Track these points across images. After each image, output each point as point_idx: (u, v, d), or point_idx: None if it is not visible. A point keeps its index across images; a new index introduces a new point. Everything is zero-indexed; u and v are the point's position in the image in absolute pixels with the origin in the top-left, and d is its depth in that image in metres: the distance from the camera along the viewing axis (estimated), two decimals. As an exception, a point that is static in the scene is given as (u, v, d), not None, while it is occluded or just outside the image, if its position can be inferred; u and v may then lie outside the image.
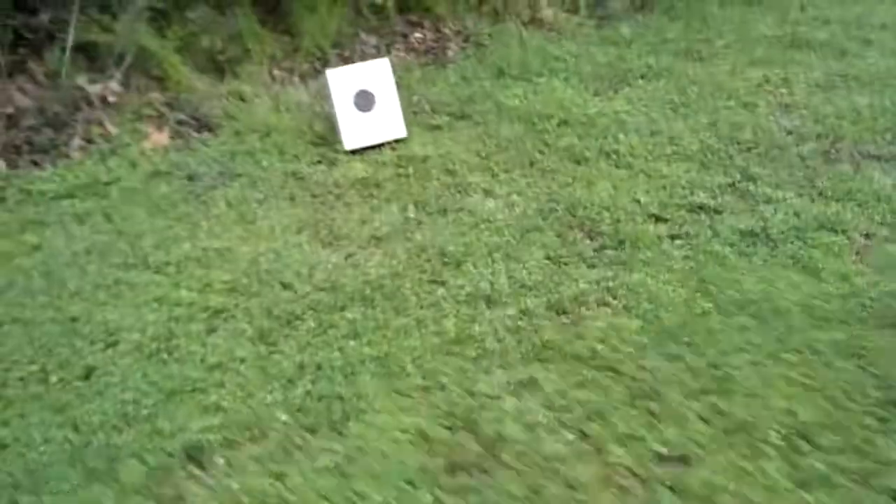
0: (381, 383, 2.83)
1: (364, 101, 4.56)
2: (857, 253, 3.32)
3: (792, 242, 3.42)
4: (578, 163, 4.25)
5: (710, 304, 3.08)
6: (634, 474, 2.42)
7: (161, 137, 4.77)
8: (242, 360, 2.96)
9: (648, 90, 5.00)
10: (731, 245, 3.44)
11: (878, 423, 2.50)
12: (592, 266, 3.41)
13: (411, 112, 4.77)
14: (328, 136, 4.55)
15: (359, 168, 4.32)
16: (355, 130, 4.49)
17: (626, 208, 3.79)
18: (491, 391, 2.77)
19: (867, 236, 3.42)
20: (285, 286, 3.37)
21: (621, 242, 3.54)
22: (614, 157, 4.26)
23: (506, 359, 2.91)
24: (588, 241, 3.58)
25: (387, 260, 3.52)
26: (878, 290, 3.06)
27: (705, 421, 2.58)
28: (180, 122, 4.91)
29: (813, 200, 3.73)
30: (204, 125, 4.88)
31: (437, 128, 4.76)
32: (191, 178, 4.29)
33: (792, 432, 2.50)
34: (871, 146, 4.18)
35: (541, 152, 4.38)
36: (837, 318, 2.95)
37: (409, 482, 2.45)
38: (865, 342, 2.81)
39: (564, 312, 3.13)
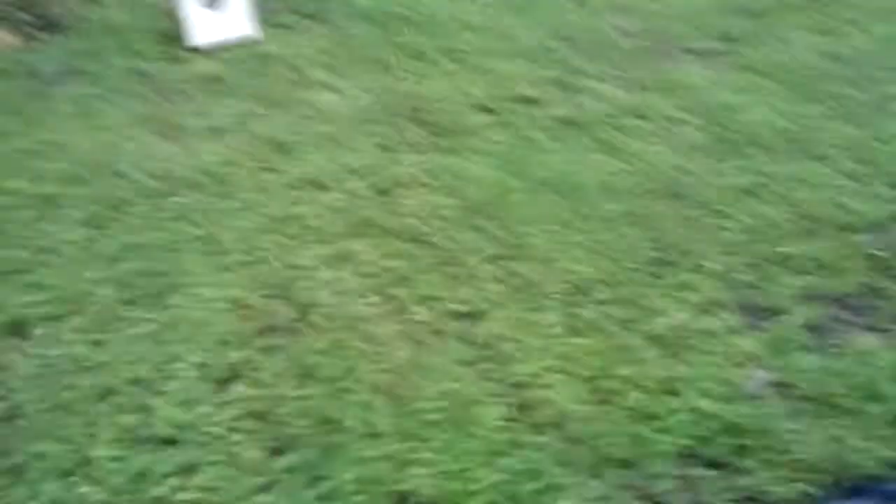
0: (204, 259, 2.98)
1: (214, 0, 4.59)
2: (658, 134, 3.59)
3: (601, 127, 3.66)
4: (420, 60, 4.40)
5: (518, 183, 3.31)
6: (431, 329, 2.65)
7: (7, 37, 4.72)
8: (71, 243, 3.06)
9: (495, -9, 5.16)
10: (546, 131, 3.67)
11: (649, 279, 2.78)
12: (419, 152, 3.59)
13: (265, 12, 4.82)
14: (175, 34, 4.58)
15: (203, 65, 4.38)
16: (202, 28, 4.53)
17: (457, 100, 3.97)
18: (308, 263, 2.95)
19: (670, 121, 3.69)
20: (119, 175, 3.46)
21: (449, 131, 3.72)
22: (453, 54, 4.42)
23: (325, 235, 3.08)
24: (418, 130, 3.76)
25: (221, 149, 3.64)
26: (668, 165, 3.33)
27: (499, 281, 2.81)
28: (28, 23, 4.85)
29: (629, 91, 3.97)
30: (52, 25, 4.85)
31: (289, 27, 4.84)
32: (33, 75, 4.29)
33: (573, 288, 2.76)
34: (694, 42, 4.44)
35: (386, 51, 4.51)
36: (630, 191, 3.22)
37: (223, 343, 2.62)
38: (649, 211, 3.09)
39: (386, 193, 3.31)
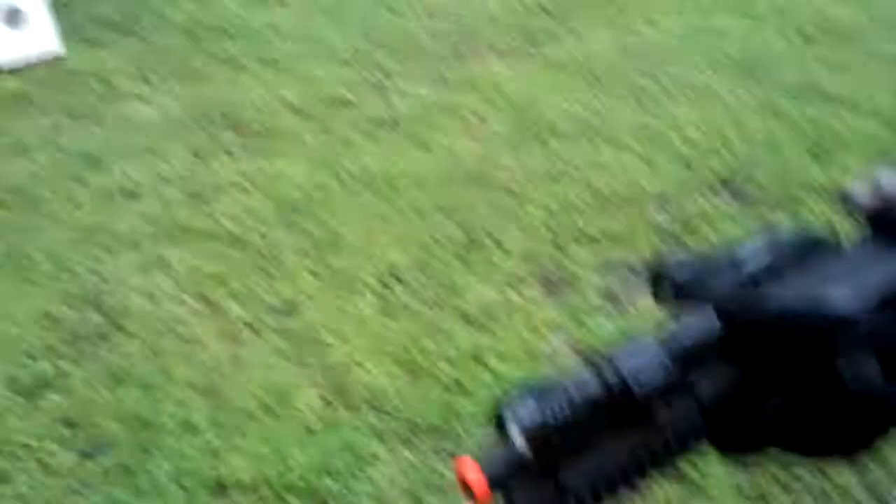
0: (11, 275, 2.90)
1: (14, 17, 4.44)
2: (468, 130, 3.74)
3: (413, 125, 3.78)
4: (233, 67, 4.42)
5: (334, 181, 3.38)
6: (248, 326, 2.68)
7: None
8: None
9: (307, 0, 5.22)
10: (361, 131, 3.76)
11: (458, 262, 2.91)
12: (233, 157, 3.60)
13: (69, 27, 4.70)
14: (-26, 53, 4.40)
15: (6, 83, 4.23)
16: (2, 46, 4.38)
17: (272, 106, 4.01)
18: (119, 272, 2.92)
19: (479, 116, 3.85)
20: (-85, 197, 3.31)
21: (263, 135, 3.76)
22: (267, 60, 4.45)
23: (137, 243, 3.06)
24: (232, 136, 3.77)
25: (28, 166, 3.54)
26: (475, 157, 3.49)
27: (315, 275, 2.87)
28: None
29: (439, 89, 4.12)
30: None
31: (96, 41, 4.74)
32: None
33: (386, 276, 2.85)
34: (499, 42, 4.64)
35: (199, 61, 4.49)
36: (439, 182, 3.35)
37: (31, 356, 2.56)
38: (458, 200, 3.22)
39: (200, 198, 3.31)
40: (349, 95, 4.08)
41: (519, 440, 0.53)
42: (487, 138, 3.68)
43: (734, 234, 2.91)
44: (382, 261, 2.92)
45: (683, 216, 3.04)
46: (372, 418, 2.29)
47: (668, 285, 0.67)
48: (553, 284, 2.79)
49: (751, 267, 0.66)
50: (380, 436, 2.24)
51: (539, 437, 0.53)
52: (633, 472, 0.58)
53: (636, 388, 0.55)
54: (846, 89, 3.75)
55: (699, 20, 4.64)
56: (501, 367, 2.40)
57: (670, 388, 0.56)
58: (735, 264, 0.66)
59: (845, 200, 0.72)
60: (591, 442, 0.56)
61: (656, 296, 0.69)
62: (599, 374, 0.55)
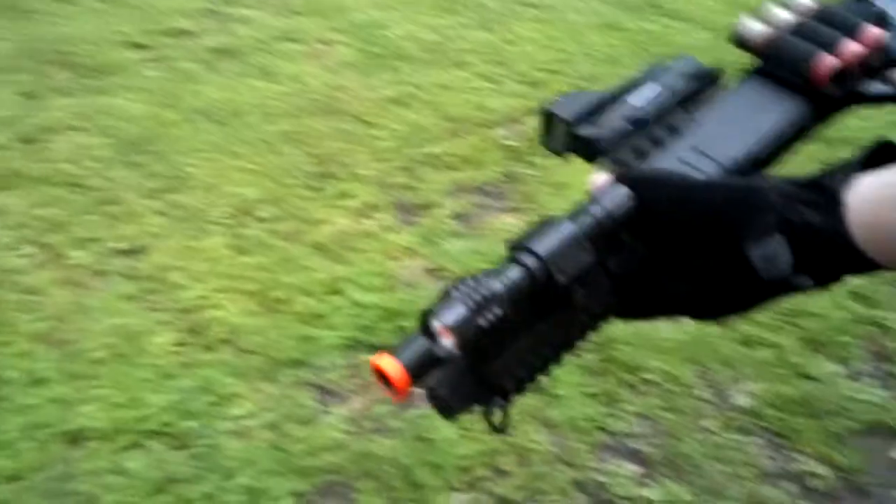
0: None
1: None
2: (313, 56, 3.67)
3: (256, 54, 3.68)
4: (66, 2, 4.15)
5: (175, 115, 3.26)
6: (91, 271, 2.58)
7: None
8: None
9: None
10: (203, 62, 3.63)
11: (311, 192, 2.88)
12: (67, 95, 3.42)
13: None
14: None
15: None
16: None
17: (108, 40, 3.80)
18: (-51, 223, 2.74)
19: (324, 43, 3.78)
20: None
21: (99, 71, 3.57)
22: (97, -8, 4.21)
23: (-34, 192, 2.88)
24: (65, 74, 3.57)
25: None
26: (322, 84, 3.43)
27: (161, 214, 2.79)
28: None
29: (281, 16, 4.01)
30: None
31: None
32: None
33: (236, 211, 2.79)
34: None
35: (22, -6, 4.20)
36: (287, 112, 3.28)
37: None
38: (307, 129, 3.17)
39: (32, 141, 3.14)
40: (188, 25, 3.92)
41: (449, 342, 0.52)
42: (334, 65, 3.62)
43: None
44: (232, 196, 2.86)
45: (530, 135, 3.10)
46: (230, 356, 2.27)
47: (560, 130, 0.69)
48: (406, 209, 2.81)
49: (642, 113, 0.68)
50: (239, 373, 2.22)
51: (470, 338, 0.52)
52: (553, 357, 0.59)
53: (559, 277, 0.55)
54: (681, 4, 3.86)
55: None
56: (360, 296, 2.42)
57: (589, 270, 0.57)
58: (627, 111, 0.68)
59: (737, 40, 0.75)
60: (515, 332, 0.57)
61: (546, 142, 0.71)
62: (523, 265, 0.55)
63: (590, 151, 0.68)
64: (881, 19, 0.75)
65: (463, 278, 0.54)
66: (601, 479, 1.95)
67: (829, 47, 0.70)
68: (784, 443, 2.01)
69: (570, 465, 1.98)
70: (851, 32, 0.73)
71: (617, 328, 2.26)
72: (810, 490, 1.90)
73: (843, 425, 2.01)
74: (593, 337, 0.61)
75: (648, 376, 2.16)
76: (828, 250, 0.55)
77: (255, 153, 3.07)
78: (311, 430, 2.07)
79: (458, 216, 2.77)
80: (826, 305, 2.31)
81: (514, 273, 0.54)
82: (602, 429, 2.05)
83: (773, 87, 0.72)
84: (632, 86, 0.70)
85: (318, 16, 4.01)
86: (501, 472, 1.97)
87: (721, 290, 0.59)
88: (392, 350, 0.53)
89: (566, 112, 0.68)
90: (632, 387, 2.15)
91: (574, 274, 0.56)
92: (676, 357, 2.20)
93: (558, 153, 0.70)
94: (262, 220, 2.77)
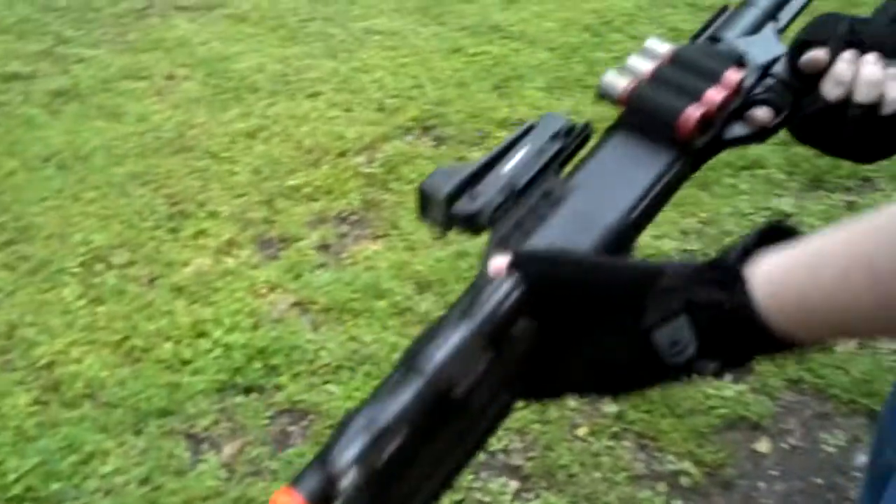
0: None
1: None
2: (158, 93, 3.59)
3: (99, 95, 3.57)
4: None
5: (17, 163, 3.13)
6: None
7: None
8: None
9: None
10: (42, 106, 3.49)
11: (166, 234, 2.81)
12: None
13: None
14: None
15: None
16: None
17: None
18: None
19: (168, 78, 3.70)
20: None
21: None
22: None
23: None
24: None
25: None
26: (172, 122, 3.36)
27: (8, 268, 2.66)
28: None
29: (123, 54, 3.90)
30: None
31: None
32: None
33: (89, 259, 2.70)
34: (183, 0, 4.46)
35: None
36: (135, 152, 3.19)
37: None
38: (158, 169, 3.10)
39: None
40: (23, 69, 3.76)
41: (351, 478, 0.49)
42: (181, 100, 3.55)
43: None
44: (82, 243, 2.76)
45: (385, 160, 3.13)
46: (93, 411, 2.19)
47: (436, 207, 0.66)
48: (268, 244, 2.78)
49: (514, 181, 0.67)
50: (104, 428, 2.14)
51: (373, 472, 0.50)
52: (455, 469, 0.56)
53: (457, 390, 0.52)
54: (520, 25, 3.99)
55: (381, -36, 4.71)
56: (226, 337, 2.37)
57: (487, 371, 0.54)
58: (500, 180, 0.67)
59: (601, 93, 0.75)
60: (415, 453, 0.52)
61: (424, 218, 0.67)
62: (417, 384, 0.51)
63: (469, 226, 0.67)
64: (738, 60, 0.78)
65: (357, 408, 0.52)
66: (482, 497, 1.99)
67: (692, 96, 0.71)
68: (652, 444, 2.10)
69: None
70: (712, 78, 0.73)
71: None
72: (680, 488, 1.99)
73: (705, 422, 2.12)
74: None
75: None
76: (735, 329, 0.53)
77: (104, 197, 2.97)
78: (186, 481, 2.01)
79: (322, 247, 2.76)
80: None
81: (409, 395, 0.51)
82: (479, 448, 2.09)
83: (640, 140, 0.71)
84: (503, 152, 0.69)
85: (160, 51, 3.92)
86: None
87: (622, 372, 0.57)
88: (293, 483, 0.50)
89: (439, 190, 0.66)
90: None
91: (471, 383, 0.53)
92: (544, 370, 2.27)
93: (439, 228, 0.68)
94: (116, 266, 2.68)
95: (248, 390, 2.26)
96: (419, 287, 2.56)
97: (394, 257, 2.68)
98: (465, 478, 2.01)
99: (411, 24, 4.07)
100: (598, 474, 2.02)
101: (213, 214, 2.89)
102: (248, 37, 4.04)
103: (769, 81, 0.79)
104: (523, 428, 2.14)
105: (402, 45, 3.89)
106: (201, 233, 2.80)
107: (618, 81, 0.75)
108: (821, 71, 0.79)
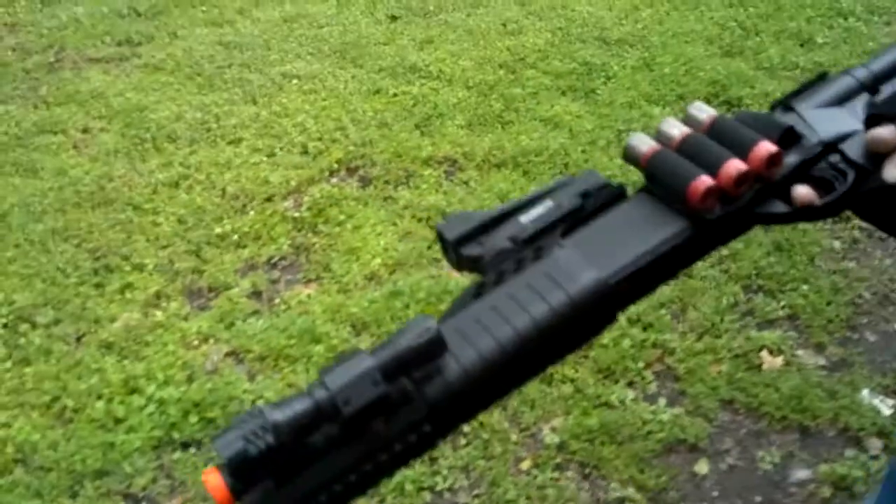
0: None
1: None
2: (75, 147, 3.52)
3: (14, 150, 3.48)
4: None
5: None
6: None
7: None
8: None
9: None
10: (-49, 164, 3.39)
11: (91, 290, 2.75)
12: None
13: None
14: None
15: None
16: None
17: None
18: None
19: (85, 131, 3.64)
20: None
21: None
22: None
23: None
24: None
25: None
26: (91, 175, 3.30)
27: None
28: None
29: (37, 109, 3.82)
30: None
31: None
32: None
33: (13, 320, 2.62)
34: (94, 51, 4.39)
35: None
36: (54, 208, 3.12)
37: None
38: (80, 223, 3.04)
39: None
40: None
41: (224, 474, 0.54)
42: (98, 153, 3.49)
43: (361, 213, 3.05)
44: (5, 304, 2.68)
45: (312, 203, 3.12)
46: (26, 476, 2.12)
47: (450, 249, 0.68)
48: (197, 294, 2.75)
49: (525, 231, 0.68)
50: (38, 493, 2.08)
51: (242, 468, 0.53)
52: (359, 484, 0.59)
53: (346, 408, 0.55)
54: (436, 64, 4.05)
55: (292, 8, 4.73)
56: (160, 392, 2.33)
57: (384, 400, 0.57)
58: (513, 229, 0.68)
59: (625, 155, 0.72)
60: (311, 462, 0.57)
61: (444, 255, 0.70)
62: (310, 395, 0.55)
63: (475, 269, 0.68)
64: (786, 133, 0.72)
65: (256, 406, 0.56)
66: (432, 537, 1.99)
67: (712, 167, 0.68)
68: (595, 472, 2.13)
69: (399, 529, 2.00)
70: (739, 150, 0.69)
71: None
72: (624, 513, 2.02)
73: (645, 447, 2.16)
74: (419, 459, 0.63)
75: (464, 429, 2.23)
76: None
77: (25, 255, 2.90)
78: (127, 542, 1.96)
79: (254, 294, 2.74)
80: (614, 335, 2.48)
81: (298, 403, 0.55)
82: (426, 488, 2.09)
83: (652, 206, 0.70)
84: (530, 202, 0.70)
85: (74, 104, 3.86)
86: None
87: None
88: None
89: (450, 232, 0.69)
90: (449, 441, 2.21)
91: (362, 405, 0.56)
92: (485, 405, 2.28)
93: (455, 268, 0.70)
94: (41, 325, 2.62)
95: (185, 445, 2.22)
96: (355, 329, 2.56)
97: (328, 300, 2.67)
98: (414, 519, 2.01)
99: (329, 67, 4.10)
100: (544, 506, 2.04)
101: (138, 267, 2.85)
102: (165, 86, 4.00)
103: (834, 158, 0.73)
104: (468, 465, 2.15)
105: (322, 88, 3.91)
106: (128, 286, 2.75)
107: (642, 144, 0.72)
108: (889, 150, 0.71)
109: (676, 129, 0.72)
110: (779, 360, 2.41)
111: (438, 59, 4.10)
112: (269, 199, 3.19)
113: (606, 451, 2.14)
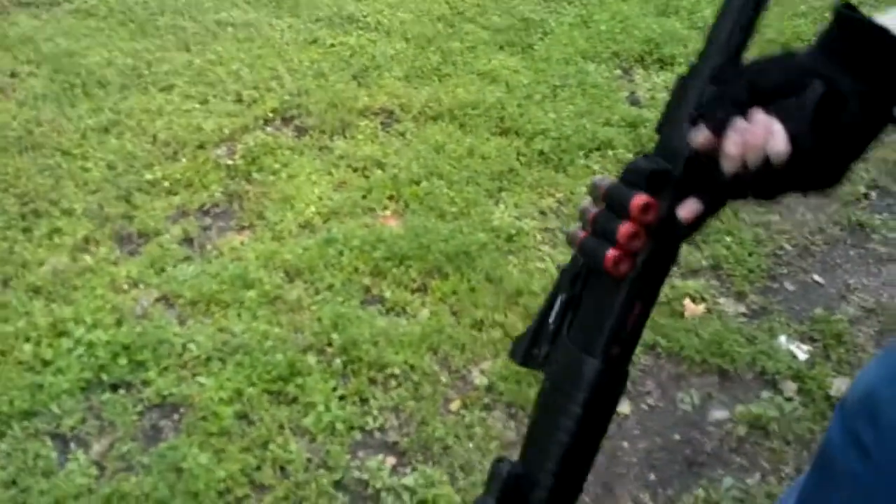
0: None
1: None
2: (2, 91, 3.43)
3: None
4: None
5: None
6: None
7: None
8: None
9: None
10: None
11: (19, 234, 2.70)
12: None
13: None
14: None
15: None
16: None
17: None
18: None
19: (12, 75, 3.55)
20: None
21: None
22: None
23: None
24: None
25: None
26: (18, 120, 3.23)
27: None
28: None
29: (-41, 50, 3.71)
30: None
31: None
32: None
33: (-65, 263, 2.56)
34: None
35: None
36: (-22, 152, 3.05)
37: None
38: (7, 168, 2.97)
39: None
40: None
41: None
42: (26, 98, 3.40)
43: (296, 163, 3.04)
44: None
45: (245, 151, 3.10)
46: (-50, 418, 2.09)
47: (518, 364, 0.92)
48: (127, 239, 2.72)
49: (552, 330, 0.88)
50: (-37, 435, 2.05)
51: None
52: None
53: None
54: (375, 16, 4.03)
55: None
56: (88, 335, 2.31)
57: None
58: (546, 332, 0.89)
59: (568, 241, 0.86)
60: None
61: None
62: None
63: (541, 369, 0.90)
64: (651, 178, 0.78)
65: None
66: (360, 475, 2.02)
67: (612, 237, 0.78)
68: (521, 413, 2.18)
69: (329, 468, 2.03)
70: (621, 213, 0.78)
71: (358, 330, 2.34)
72: (548, 450, 2.08)
73: (569, 387, 2.22)
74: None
75: (394, 371, 2.26)
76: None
77: (-51, 200, 2.83)
78: (55, 481, 1.96)
79: (185, 241, 2.72)
80: (544, 282, 2.53)
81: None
82: (356, 427, 2.12)
83: (601, 281, 0.83)
84: (552, 301, 0.89)
85: (1, 49, 3.75)
86: (262, 488, 1.98)
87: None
88: None
89: (516, 357, 0.92)
90: (380, 383, 2.24)
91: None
92: (418, 350, 2.32)
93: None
94: (-35, 271, 2.56)
95: (114, 387, 2.22)
96: (288, 275, 2.56)
97: (261, 247, 2.67)
98: (343, 457, 2.04)
99: (265, 15, 4.05)
100: (471, 444, 2.09)
101: (67, 212, 2.80)
102: (96, 31, 3.91)
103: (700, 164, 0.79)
104: (398, 406, 2.19)
105: (257, 36, 3.86)
106: (56, 231, 2.71)
107: (576, 234, 0.85)
108: (715, 147, 0.76)
109: (589, 211, 0.83)
110: (701, 308, 2.49)
111: (376, 10, 4.08)
112: (201, 147, 3.16)
113: (532, 392, 2.19)
